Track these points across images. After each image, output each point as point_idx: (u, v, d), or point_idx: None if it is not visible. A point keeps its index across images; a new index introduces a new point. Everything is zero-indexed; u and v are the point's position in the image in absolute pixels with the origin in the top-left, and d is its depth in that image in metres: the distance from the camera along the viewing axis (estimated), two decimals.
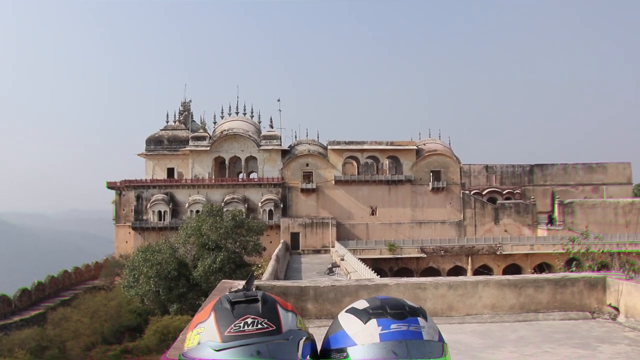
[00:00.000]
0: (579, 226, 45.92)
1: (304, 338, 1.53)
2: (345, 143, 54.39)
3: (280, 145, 54.56)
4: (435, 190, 53.83)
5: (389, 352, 1.48)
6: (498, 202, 56.28)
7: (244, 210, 47.66)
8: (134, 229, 51.56)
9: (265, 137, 54.80)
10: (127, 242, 51.70)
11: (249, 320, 1.48)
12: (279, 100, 58.51)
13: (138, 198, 52.25)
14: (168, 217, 51.36)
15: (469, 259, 47.58)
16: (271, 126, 56.19)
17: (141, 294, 31.26)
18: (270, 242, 45.21)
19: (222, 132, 54.49)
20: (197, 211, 46.48)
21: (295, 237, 50.18)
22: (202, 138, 54.60)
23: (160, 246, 33.08)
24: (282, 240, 46.97)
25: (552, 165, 63.19)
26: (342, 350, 1.53)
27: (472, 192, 56.89)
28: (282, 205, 52.09)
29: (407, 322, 1.54)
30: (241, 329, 1.46)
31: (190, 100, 61.48)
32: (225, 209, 41.56)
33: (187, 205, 51.42)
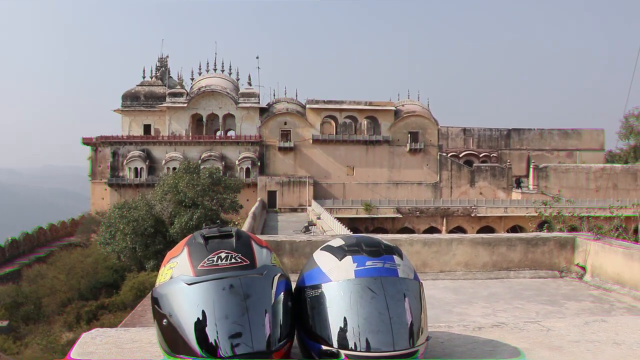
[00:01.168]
0: (552, 190, 46.73)
1: (279, 274, 1.51)
2: (324, 102, 54.00)
3: (259, 103, 53.94)
4: (413, 151, 54.01)
5: (364, 288, 1.47)
6: (474, 165, 56.76)
7: (221, 168, 47.34)
8: (110, 185, 50.95)
9: (244, 95, 54.09)
10: (103, 198, 51.15)
11: (223, 255, 1.46)
12: (257, 58, 57.89)
13: (114, 154, 51.49)
14: (145, 174, 50.80)
15: (444, 220, 48.18)
16: (249, 84, 55.44)
17: (117, 250, 31.14)
18: (247, 200, 45.18)
19: (199, 89, 53.61)
20: (174, 168, 46.06)
21: (272, 195, 50.17)
22: (180, 95, 53.70)
23: (136, 203, 32.83)
24: (259, 199, 46.94)
25: (528, 130, 63.77)
26: (316, 287, 1.51)
27: (449, 155, 57.25)
28: (259, 164, 51.87)
29: (382, 260, 1.52)
30: (214, 263, 1.44)
31: (167, 56, 60.24)
32: (202, 167, 41.26)
33: (163, 162, 50.88)
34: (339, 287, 1.49)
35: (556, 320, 2.06)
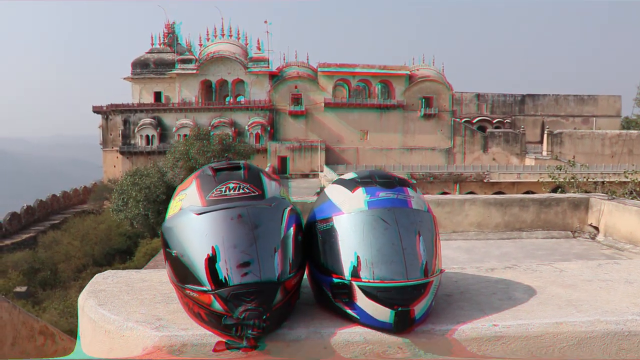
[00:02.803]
0: (566, 156, 46.32)
1: (289, 207, 1.49)
2: (336, 66, 53.50)
3: (269, 68, 53.55)
4: (426, 117, 53.61)
5: (376, 219, 1.44)
6: (487, 130, 56.32)
7: (231, 134, 47.38)
8: (122, 153, 51.22)
9: (253, 60, 53.69)
10: (115, 166, 51.49)
11: (232, 185, 1.44)
12: (266, 22, 57.06)
13: (125, 122, 51.64)
14: (156, 141, 50.97)
15: (457, 186, 48.09)
16: (259, 49, 54.95)
17: (130, 217, 31.49)
18: (258, 166, 45.20)
19: (208, 55, 53.27)
20: (185, 135, 46.17)
21: (283, 161, 50.20)
22: (189, 61, 53.42)
23: (148, 170, 33.06)
24: (269, 164, 47.01)
25: (543, 95, 62.93)
26: (327, 219, 1.49)
27: (462, 120, 56.78)
28: (270, 129, 51.80)
29: (395, 191, 1.49)
30: (223, 193, 1.42)
31: (174, 22, 59.68)
32: (212, 133, 41.31)
33: (174, 129, 50.95)
34: (351, 218, 1.46)
35: (569, 263, 2.06)
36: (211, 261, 1.36)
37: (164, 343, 1.40)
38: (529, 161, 52.31)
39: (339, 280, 1.44)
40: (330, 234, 1.48)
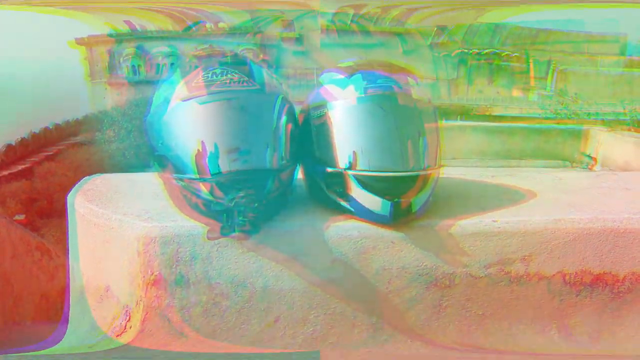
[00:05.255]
0: (570, 93, 45.92)
1: (281, 97, 1.42)
2: None
3: None
4: (433, 45, 52.78)
5: (374, 106, 1.36)
6: (493, 64, 55.70)
7: None
8: (110, 84, 50.52)
9: None
10: (104, 98, 50.96)
11: (234, 76, 1.38)
12: None
13: (109, 53, 50.72)
14: (142, 71, 50.20)
15: (459, 118, 48.03)
16: None
17: (122, 148, 31.42)
18: None
19: None
20: (172, 64, 45.27)
21: None
22: None
23: (137, 100, 32.80)
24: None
25: (554, 31, 61.92)
26: (322, 107, 1.41)
27: (472, 52, 55.92)
28: (261, 56, 50.79)
29: (395, 78, 1.40)
30: (225, 83, 1.36)
31: None
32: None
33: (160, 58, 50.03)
34: (347, 107, 1.38)
35: (569, 173, 2.04)
36: (201, 148, 1.31)
37: (154, 234, 1.38)
38: (533, 96, 52.07)
39: (334, 171, 1.38)
40: (324, 125, 1.41)
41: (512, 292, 1.48)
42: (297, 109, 1.51)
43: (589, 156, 6.85)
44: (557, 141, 6.93)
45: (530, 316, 1.51)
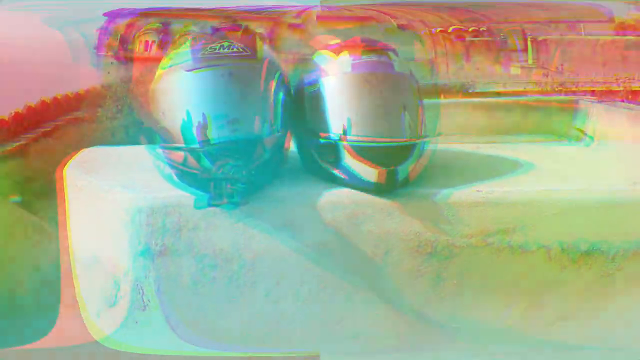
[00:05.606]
0: (553, 64, 45.65)
1: (273, 66, 1.49)
2: None
3: None
4: (400, 27, 52.35)
5: (361, 81, 1.46)
6: (467, 39, 55.31)
7: None
8: (117, 59, 49.89)
9: None
10: (109, 72, 50.32)
11: (225, 43, 1.43)
12: None
13: (124, 27, 50.02)
14: (155, 48, 49.63)
15: (440, 97, 47.78)
16: None
17: (125, 125, 31.18)
18: None
19: None
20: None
21: None
22: None
23: (144, 77, 32.49)
24: None
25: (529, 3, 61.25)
26: (313, 83, 1.51)
27: (437, 30, 55.50)
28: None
29: (379, 54, 1.51)
30: (216, 50, 1.41)
31: None
32: None
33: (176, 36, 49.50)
34: (336, 80, 1.48)
35: (560, 145, 2.08)
36: (189, 117, 1.35)
37: (155, 204, 1.43)
38: (515, 70, 51.73)
39: (326, 141, 1.45)
40: (316, 97, 1.49)
41: (492, 263, 1.50)
42: (291, 80, 1.57)
43: (579, 129, 6.83)
44: (543, 114, 6.91)
45: (508, 291, 1.53)
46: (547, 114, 6.76)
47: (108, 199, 1.49)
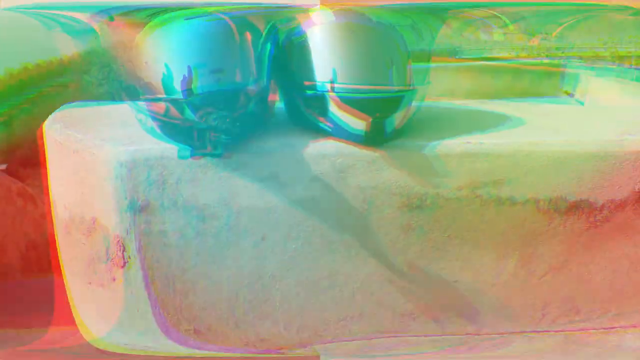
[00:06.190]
0: (541, 30, 45.48)
1: (270, 24, 1.51)
2: None
3: None
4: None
5: (347, 30, 1.45)
6: (449, 11, 54.93)
7: None
8: (107, 22, 49.02)
9: None
10: (97, 36, 49.50)
11: None
12: None
13: None
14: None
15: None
16: None
17: (112, 91, 30.85)
18: None
19: None
20: None
21: None
22: None
23: (132, 41, 32.13)
24: None
25: None
26: (299, 34, 1.48)
27: None
28: None
29: (363, 12, 1.51)
30: None
31: None
32: None
33: None
34: (322, 31, 1.45)
35: (550, 102, 2.07)
36: (172, 69, 1.33)
37: (135, 157, 1.39)
38: (498, 36, 51.61)
39: (312, 92, 1.43)
40: (302, 47, 1.46)
41: (482, 216, 1.49)
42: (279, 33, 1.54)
43: (568, 93, 6.84)
44: (531, 78, 6.89)
45: (495, 243, 1.52)
46: (535, 77, 6.77)
47: (89, 153, 1.45)
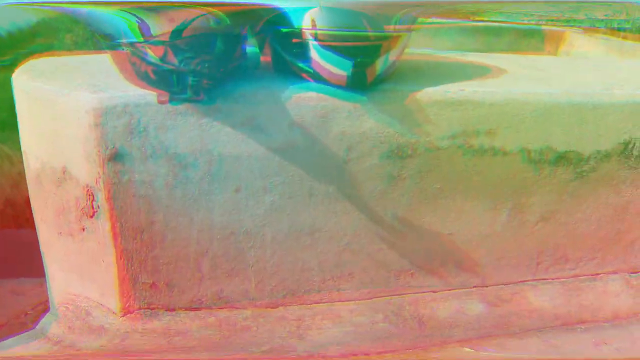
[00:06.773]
0: None
1: None
2: None
3: None
4: None
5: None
6: None
7: None
8: None
9: None
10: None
11: None
12: None
13: None
14: None
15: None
16: None
17: (96, 50, 30.50)
18: None
19: None
20: None
21: None
22: None
23: None
24: None
25: None
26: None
27: None
28: None
29: None
30: None
31: None
32: None
33: None
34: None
35: (542, 58, 2.02)
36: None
37: (104, 104, 1.30)
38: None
39: (294, 36, 1.33)
40: None
41: (474, 166, 1.47)
42: None
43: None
44: (531, 42, 6.85)
45: (486, 193, 1.51)
46: (536, 42, 6.73)
47: (58, 102, 1.36)
